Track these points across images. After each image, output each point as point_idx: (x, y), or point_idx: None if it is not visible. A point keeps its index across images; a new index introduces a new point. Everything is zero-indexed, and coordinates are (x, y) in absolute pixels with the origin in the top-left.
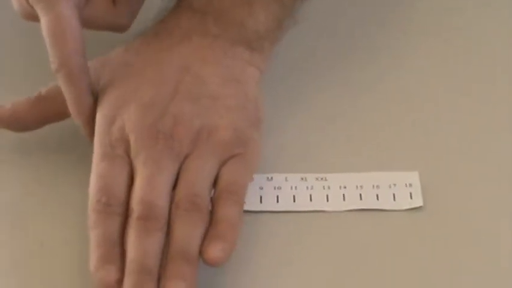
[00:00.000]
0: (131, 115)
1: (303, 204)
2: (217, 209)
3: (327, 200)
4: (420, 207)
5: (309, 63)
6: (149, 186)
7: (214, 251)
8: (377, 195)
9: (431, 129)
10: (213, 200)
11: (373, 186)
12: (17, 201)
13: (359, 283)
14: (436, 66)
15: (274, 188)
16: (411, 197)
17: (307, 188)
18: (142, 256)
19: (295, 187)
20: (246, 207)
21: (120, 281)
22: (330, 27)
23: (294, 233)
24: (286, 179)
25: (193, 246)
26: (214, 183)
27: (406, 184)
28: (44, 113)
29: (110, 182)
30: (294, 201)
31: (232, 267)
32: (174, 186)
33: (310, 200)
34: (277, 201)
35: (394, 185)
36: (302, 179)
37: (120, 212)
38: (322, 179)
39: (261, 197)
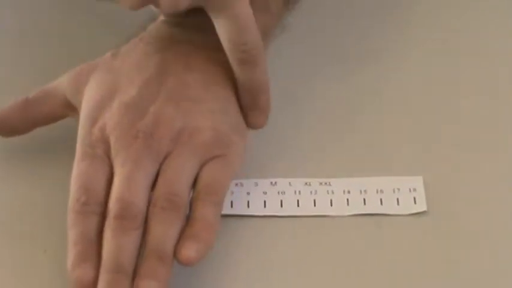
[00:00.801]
0: (112, 115)
1: (306, 209)
2: (195, 209)
3: (331, 205)
4: (424, 212)
5: (312, 67)
6: (126, 185)
7: (188, 251)
8: (381, 200)
9: (435, 134)
10: (191, 201)
11: (377, 190)
12: (20, 207)
13: None
14: (439, 71)
15: (278, 193)
16: (415, 202)
17: (311, 192)
18: (117, 255)
19: (299, 192)
20: (250, 212)
21: (96, 279)
22: (334, 32)
23: (298, 237)
24: (290, 184)
25: (168, 245)
26: (194, 183)
27: (410, 189)
28: (32, 116)
29: (89, 181)
30: (298, 205)
31: (235, 271)
32: (154, 186)
33: (314, 204)
34: (281, 206)
35: (398, 189)
36: (306, 183)
37: (98, 211)
38: (326, 183)
39: (264, 202)
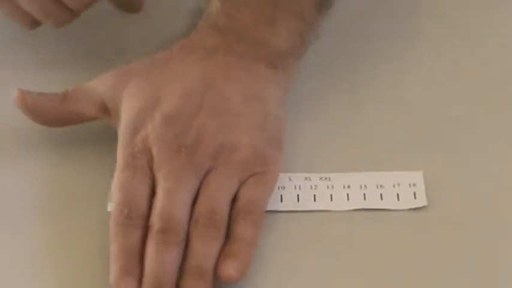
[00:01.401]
0: (155, 127)
1: (306, 204)
2: (235, 227)
3: (331, 200)
4: (424, 206)
5: (312, 64)
6: (169, 200)
7: (229, 268)
8: (381, 195)
9: (435, 129)
10: (231, 218)
11: (377, 186)
12: (22, 201)
13: (363, 283)
14: (440, 67)
15: (278, 188)
16: (415, 197)
17: (311, 187)
18: (160, 271)
19: (299, 187)
20: None
21: None
22: (334, 31)
23: (298, 232)
24: (290, 179)
25: (209, 262)
26: (234, 200)
27: (410, 184)
28: (67, 111)
29: (132, 193)
30: (298, 200)
31: None
32: (195, 200)
33: (314, 199)
34: (281, 201)
35: (398, 184)
36: (306, 178)
37: (140, 225)
38: (326, 178)
39: None
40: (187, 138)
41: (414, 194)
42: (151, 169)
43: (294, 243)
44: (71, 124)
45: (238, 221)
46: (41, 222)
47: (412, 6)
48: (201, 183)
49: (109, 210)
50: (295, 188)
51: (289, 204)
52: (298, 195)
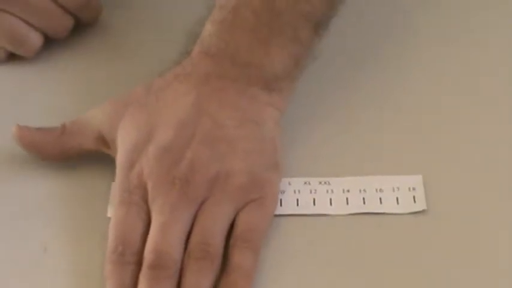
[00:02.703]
0: (149, 160)
1: (306, 208)
2: (232, 257)
3: (330, 204)
4: (423, 211)
5: (312, 67)
6: (162, 235)
7: None
8: (380, 199)
9: (435, 133)
10: (228, 247)
11: (377, 189)
12: (20, 205)
13: (362, 287)
14: (439, 71)
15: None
16: (415, 201)
17: (310, 191)
18: None
19: (299, 191)
20: None
21: None
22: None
23: (297, 236)
24: (289, 183)
25: None
26: (231, 228)
27: (409, 188)
28: (66, 146)
29: (126, 231)
30: (298, 205)
31: None
32: (191, 230)
33: (314, 203)
34: (281, 205)
35: (398, 188)
36: (305, 183)
37: (134, 261)
38: (325, 182)
39: None
40: (181, 170)
41: (414, 198)
42: (146, 203)
43: (293, 247)
44: (70, 157)
45: (235, 250)
46: (39, 226)
47: (412, 9)
48: (197, 212)
49: (108, 215)
50: (295, 192)
51: (288, 208)
52: (297, 199)
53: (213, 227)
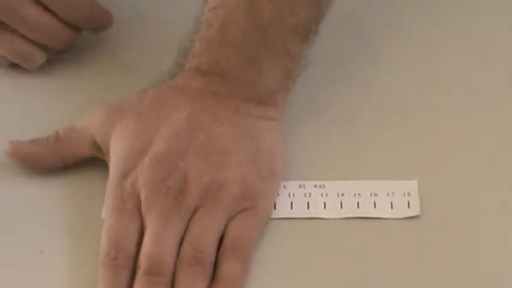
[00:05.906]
0: (143, 170)
1: (300, 211)
2: (220, 265)
3: (324, 208)
4: (417, 216)
5: (309, 71)
6: (156, 243)
7: None
8: (374, 203)
9: (430, 138)
10: (218, 256)
11: (371, 194)
12: (16, 208)
13: None
14: (435, 75)
15: None
16: (409, 206)
17: (305, 195)
18: None
19: (293, 194)
20: None
21: None
22: (331, 38)
23: (291, 239)
24: (284, 186)
25: None
26: (222, 236)
27: (404, 193)
28: (61, 154)
29: (119, 236)
30: (292, 208)
31: None
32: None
33: (308, 207)
34: (275, 208)
35: (393, 193)
36: (300, 186)
37: (127, 266)
38: (320, 186)
39: None
40: (174, 181)
41: (408, 203)
42: (140, 212)
43: (287, 251)
44: (67, 165)
45: (223, 259)
46: (35, 229)
47: (411, 12)
48: (189, 221)
49: (102, 216)
50: (289, 195)
51: (282, 211)
52: (291, 203)
53: (206, 235)
